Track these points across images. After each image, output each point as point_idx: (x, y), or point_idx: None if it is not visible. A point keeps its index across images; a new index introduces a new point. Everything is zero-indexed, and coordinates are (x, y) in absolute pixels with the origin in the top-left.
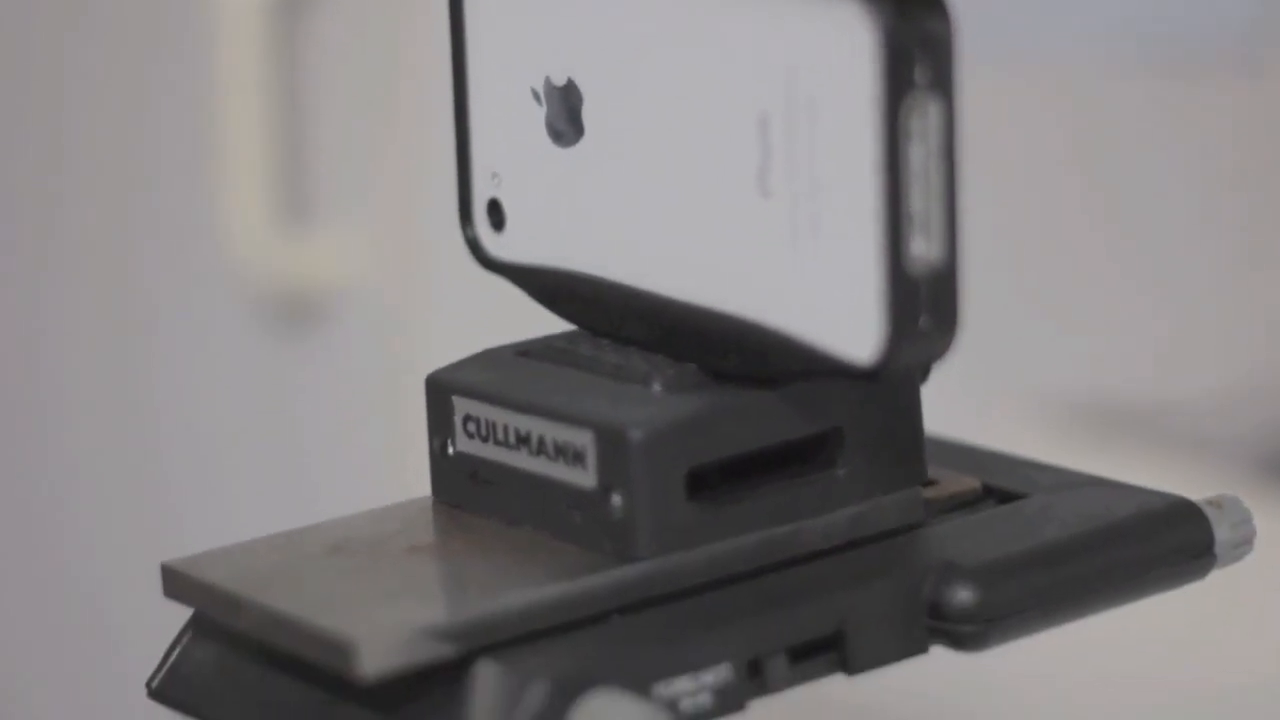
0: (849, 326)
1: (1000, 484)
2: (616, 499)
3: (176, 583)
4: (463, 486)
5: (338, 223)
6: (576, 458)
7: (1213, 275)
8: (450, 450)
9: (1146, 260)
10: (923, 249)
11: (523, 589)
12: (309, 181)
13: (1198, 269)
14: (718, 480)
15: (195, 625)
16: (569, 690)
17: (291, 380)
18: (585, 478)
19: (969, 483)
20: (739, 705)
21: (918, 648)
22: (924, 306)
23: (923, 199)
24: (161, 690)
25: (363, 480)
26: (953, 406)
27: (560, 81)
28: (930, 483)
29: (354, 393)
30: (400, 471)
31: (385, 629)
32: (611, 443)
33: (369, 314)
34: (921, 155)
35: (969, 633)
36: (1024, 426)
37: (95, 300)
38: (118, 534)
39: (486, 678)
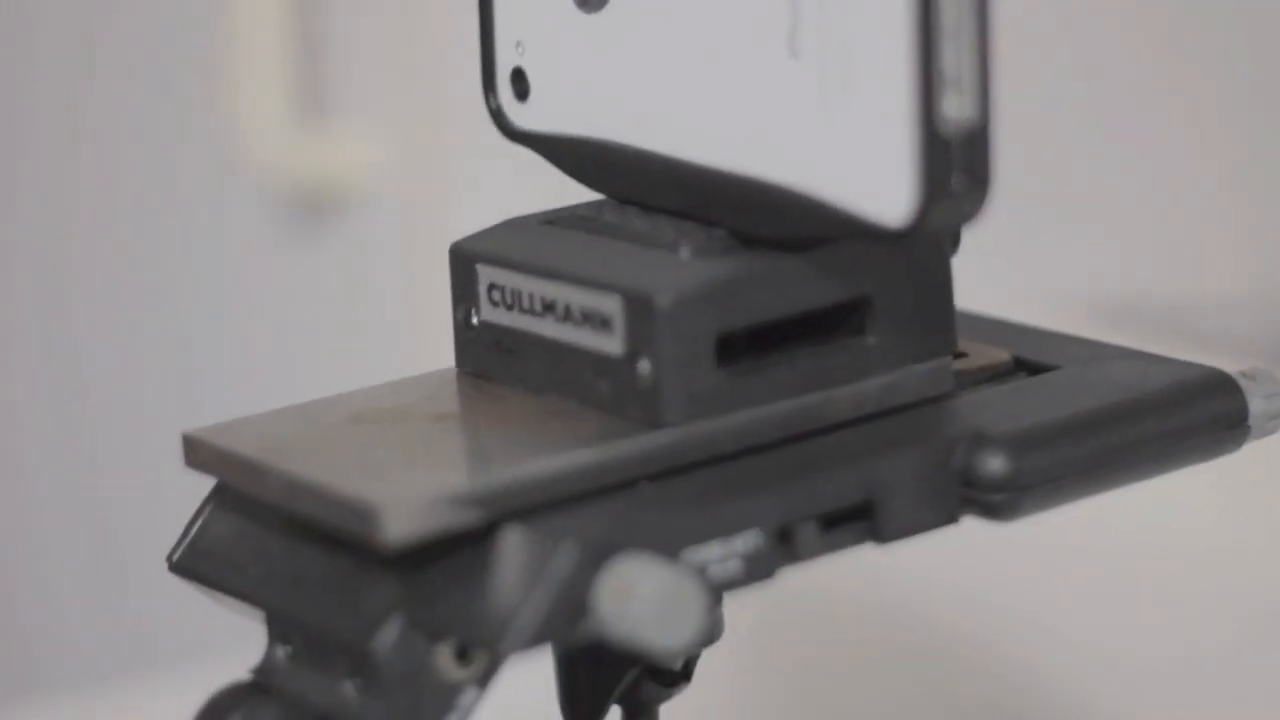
0: (880, 188)
1: (1031, 356)
2: (644, 365)
3: (198, 452)
4: (487, 356)
5: (357, 117)
6: (603, 324)
7: (1235, 175)
8: (474, 320)
9: (1166, 160)
10: (955, 107)
11: (549, 455)
12: (327, 76)
13: (1219, 169)
14: (746, 347)
15: (216, 498)
16: (597, 554)
17: (312, 274)
18: (612, 344)
19: (999, 355)
20: (769, 573)
21: (949, 517)
22: (956, 166)
23: (955, 56)
24: (183, 564)
25: (384, 371)
26: (973, 306)
27: None
28: (960, 355)
29: (374, 286)
30: (421, 363)
31: (409, 495)
32: (639, 308)
33: (389, 208)
34: (954, 11)
35: (1000, 502)
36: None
37: (117, 199)
38: (141, 419)
39: (513, 543)
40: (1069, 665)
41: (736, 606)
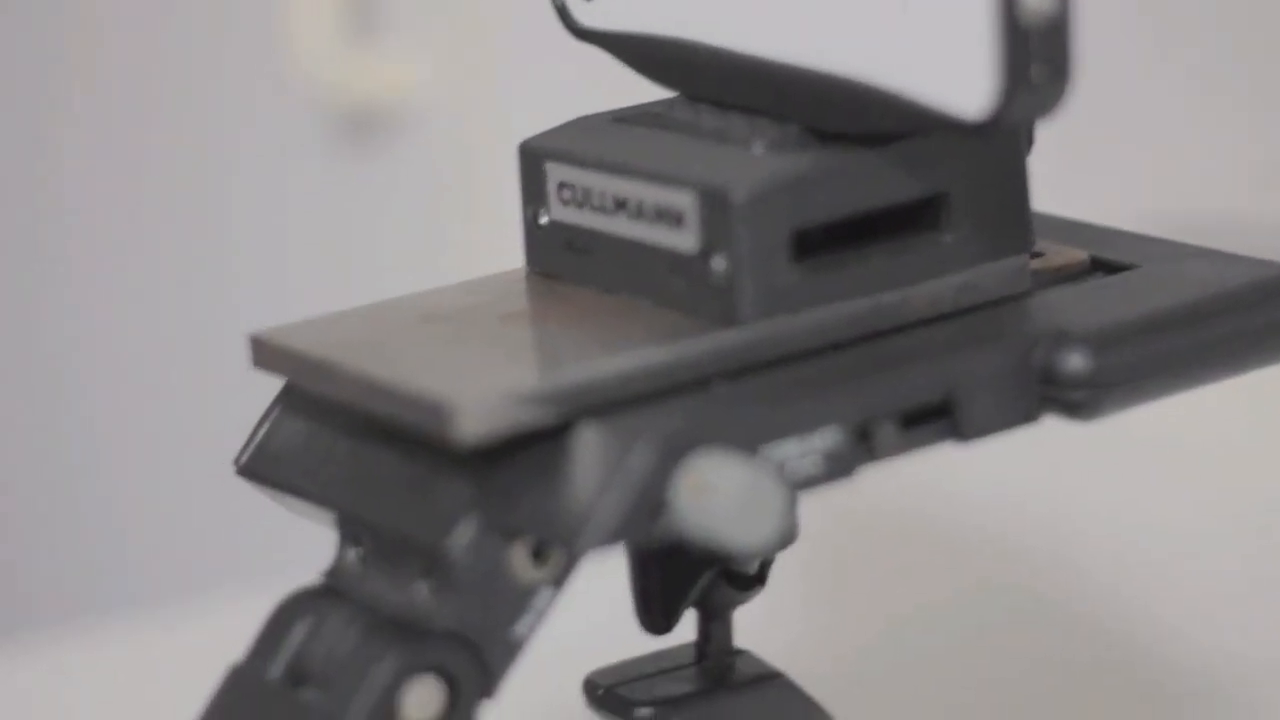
0: (959, 80)
1: (1107, 256)
2: (719, 261)
3: (265, 352)
4: (557, 256)
5: (407, 33)
6: (677, 220)
7: None
8: (544, 219)
9: (1239, 75)
10: None
11: (625, 353)
12: None
13: None
14: (822, 244)
15: (284, 400)
16: (675, 451)
17: (366, 191)
18: (686, 241)
19: (1076, 255)
20: (848, 471)
21: (1029, 416)
22: (1036, 57)
23: None
24: (250, 467)
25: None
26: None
27: None
28: (1036, 255)
29: (427, 202)
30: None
31: (484, 391)
32: (714, 203)
33: (440, 123)
34: None
35: (1081, 400)
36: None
37: (172, 119)
38: (195, 335)
39: (589, 440)
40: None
41: (810, 512)
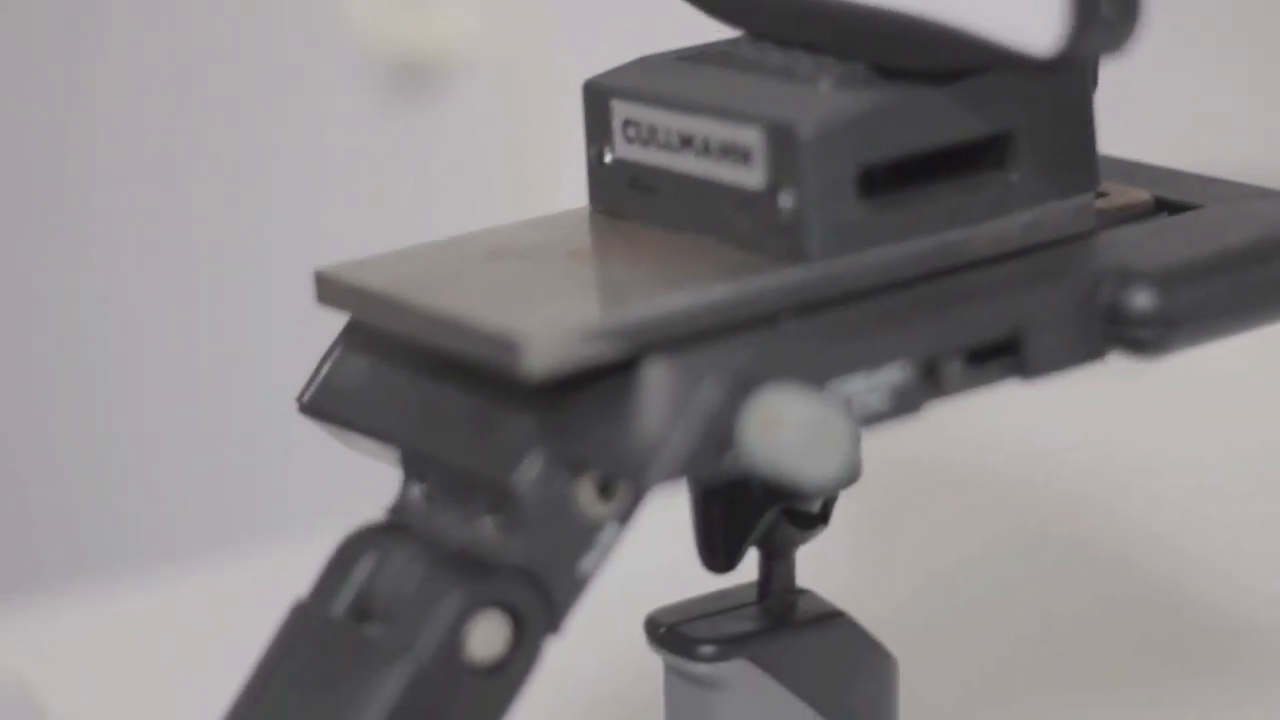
0: (1028, 16)
1: (1171, 196)
2: (786, 198)
3: (330, 288)
4: (622, 194)
5: None
6: (743, 157)
7: None
8: (608, 158)
9: None
10: None
11: (691, 289)
12: None
13: None
14: (888, 181)
15: (347, 337)
16: (743, 385)
17: (413, 143)
18: (753, 177)
19: (1140, 195)
20: (915, 407)
21: (1096, 353)
22: None
23: None
24: (313, 405)
25: None
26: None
27: None
28: (1100, 195)
29: (476, 155)
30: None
31: (551, 326)
32: (781, 139)
33: (491, 73)
34: None
35: (1148, 338)
36: None
37: (218, 67)
38: (246, 282)
39: (657, 374)
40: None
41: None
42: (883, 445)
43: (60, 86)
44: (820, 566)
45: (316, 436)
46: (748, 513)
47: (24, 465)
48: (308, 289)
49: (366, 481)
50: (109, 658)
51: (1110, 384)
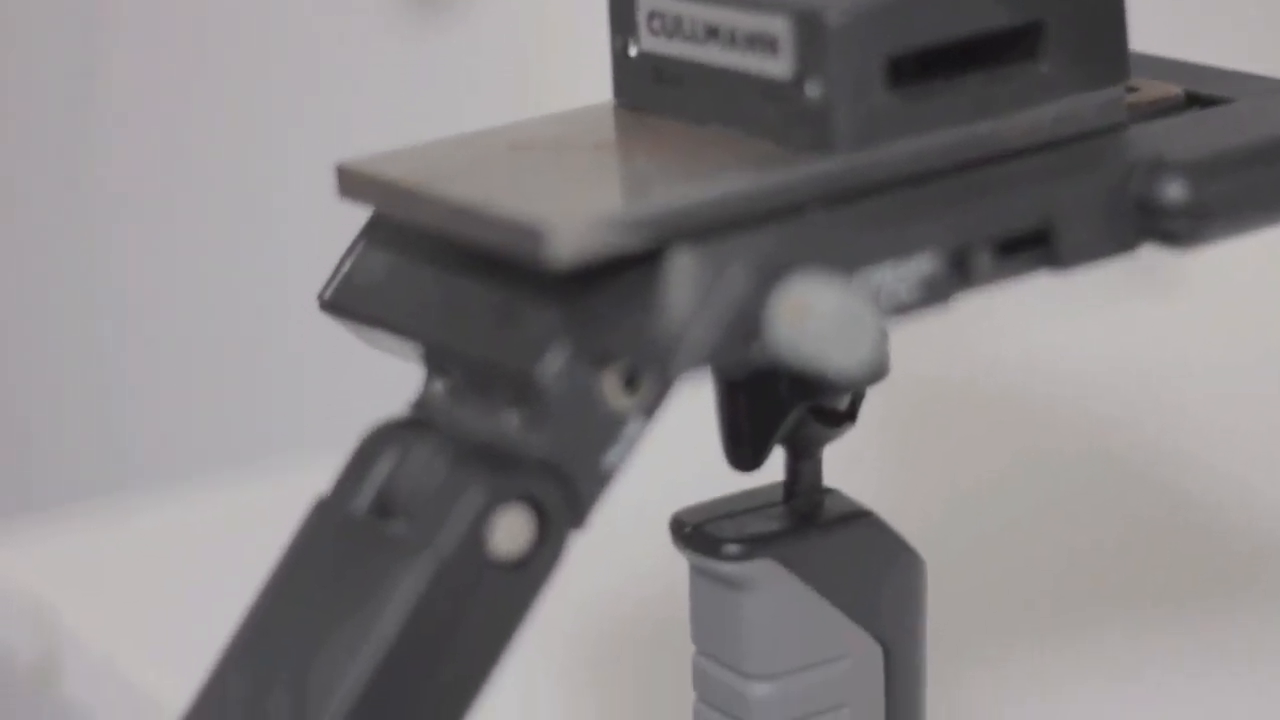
0: None
1: (1203, 91)
2: (813, 88)
3: (352, 181)
4: (647, 88)
5: None
6: (770, 47)
7: None
8: (633, 50)
9: None
10: None
11: (717, 179)
12: None
13: None
14: (917, 71)
15: (368, 234)
16: (770, 273)
17: (434, 64)
18: (779, 68)
19: (1171, 89)
20: (944, 297)
21: (1127, 245)
22: None
23: None
24: (334, 302)
25: None
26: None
27: None
28: (1130, 90)
29: (496, 76)
30: None
31: (576, 214)
32: (809, 28)
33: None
34: None
35: (1180, 229)
36: None
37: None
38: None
39: (683, 263)
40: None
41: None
42: (910, 364)
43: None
44: (846, 482)
45: (334, 353)
46: (774, 410)
47: (39, 383)
48: (326, 209)
49: (384, 397)
50: (125, 575)
51: (1137, 302)
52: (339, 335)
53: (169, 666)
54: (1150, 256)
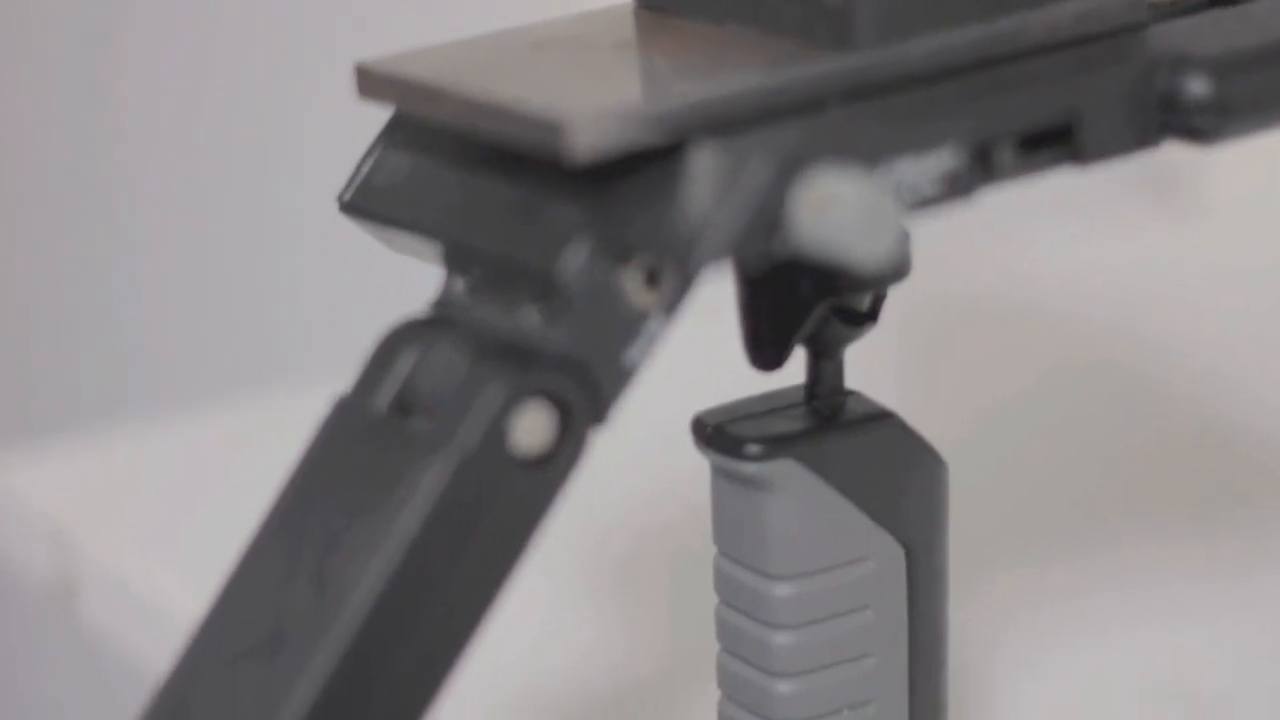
0: None
1: None
2: None
3: (372, 81)
4: None
5: None
6: None
7: None
8: None
9: None
10: None
11: (738, 74)
12: None
13: None
14: None
15: (388, 135)
16: (792, 165)
17: None
18: None
19: None
20: (966, 192)
21: (1149, 140)
22: None
23: None
24: (354, 203)
25: None
26: None
27: None
28: None
29: None
30: None
31: (597, 109)
32: None
33: None
34: None
35: (1203, 125)
36: None
37: None
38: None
39: (704, 157)
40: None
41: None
42: (931, 280)
43: None
44: (867, 390)
45: (350, 272)
46: (796, 309)
47: (54, 306)
48: (341, 124)
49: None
50: (141, 495)
51: (1159, 222)
52: (353, 254)
53: (186, 585)
54: (1172, 178)
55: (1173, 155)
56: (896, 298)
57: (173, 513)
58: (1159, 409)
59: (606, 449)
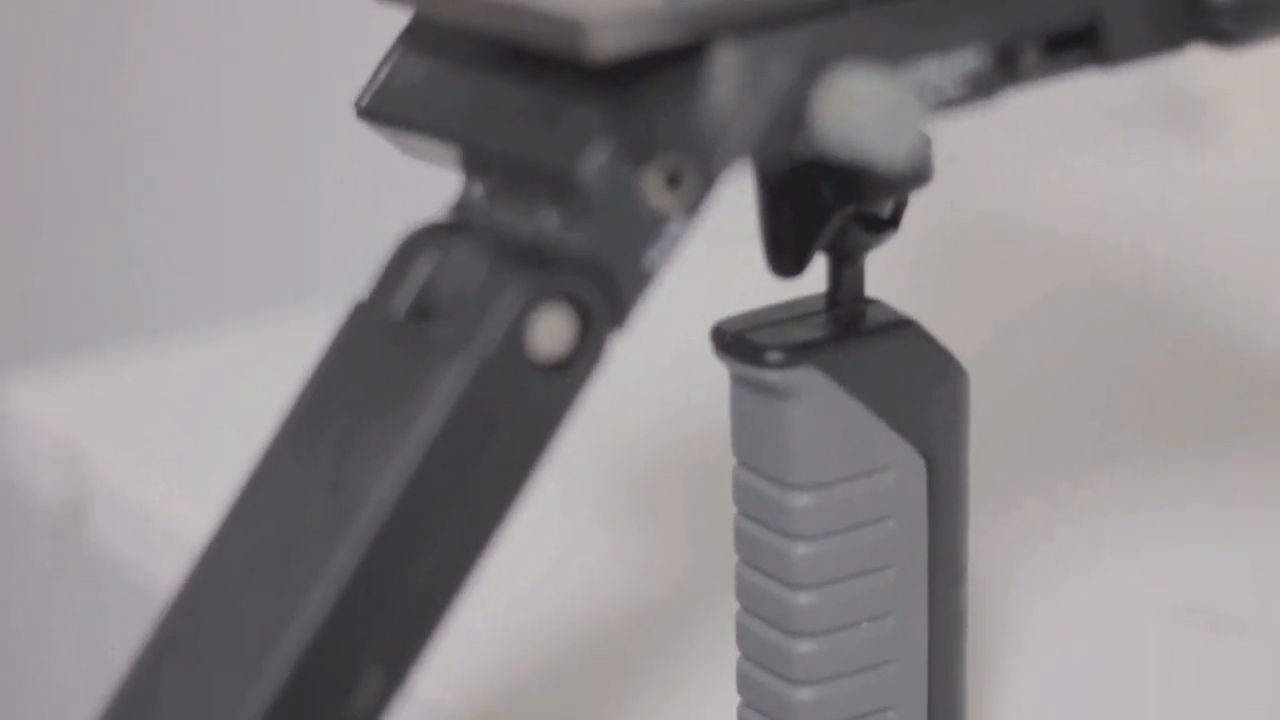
0: None
1: None
2: None
3: None
4: None
5: None
6: None
7: None
8: None
9: None
10: None
11: None
12: None
13: None
14: None
15: (406, 39)
16: (815, 64)
17: None
18: None
19: None
20: (989, 93)
21: (1175, 42)
22: None
23: None
24: (371, 108)
25: None
26: None
27: None
28: None
29: None
30: None
31: (618, 8)
32: None
33: None
34: None
35: (1229, 28)
36: None
37: None
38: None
39: (726, 57)
40: None
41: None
42: (949, 201)
43: None
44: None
45: (363, 191)
46: (817, 214)
47: (65, 224)
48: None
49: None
50: (153, 416)
51: (1176, 148)
52: (370, 171)
53: (198, 507)
54: (1192, 106)
55: (1193, 84)
56: (914, 214)
57: (185, 434)
58: (1179, 331)
59: (623, 356)
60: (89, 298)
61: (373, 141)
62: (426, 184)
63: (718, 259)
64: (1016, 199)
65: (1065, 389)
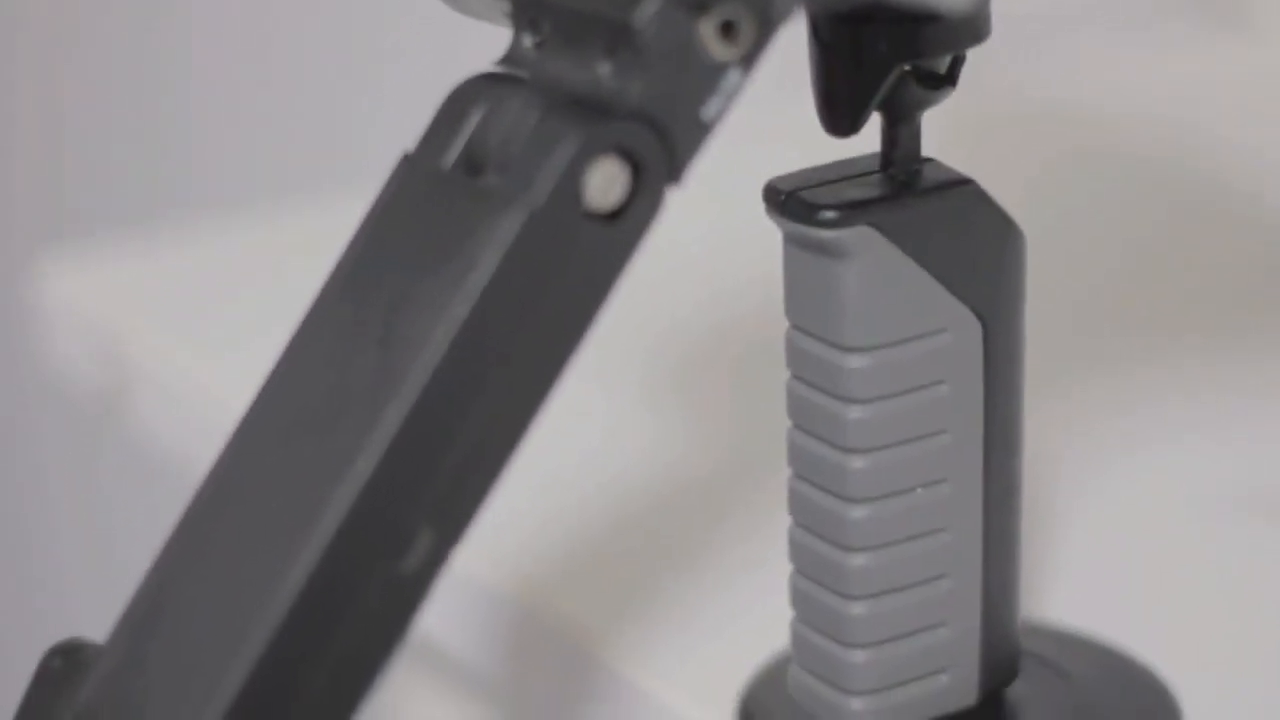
0: None
1: None
2: None
3: None
4: None
5: None
6: None
7: None
8: None
9: None
10: None
11: None
12: None
13: None
14: None
15: None
16: None
17: None
18: None
19: None
20: None
21: None
22: None
23: None
24: None
25: None
26: None
27: None
28: None
29: None
30: None
31: None
32: None
33: None
34: None
35: None
36: None
37: None
38: None
39: None
40: None
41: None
42: (982, 86)
43: None
44: None
45: (401, 79)
46: (873, 70)
47: (102, 109)
48: None
49: None
50: (192, 299)
51: (1207, 40)
52: (410, 56)
53: (235, 389)
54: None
55: None
56: (963, 92)
57: (222, 317)
58: (1253, 225)
59: (675, 214)
60: (125, 181)
61: (414, 20)
62: (468, 67)
63: (769, 118)
64: (1048, 84)
65: (1127, 272)
